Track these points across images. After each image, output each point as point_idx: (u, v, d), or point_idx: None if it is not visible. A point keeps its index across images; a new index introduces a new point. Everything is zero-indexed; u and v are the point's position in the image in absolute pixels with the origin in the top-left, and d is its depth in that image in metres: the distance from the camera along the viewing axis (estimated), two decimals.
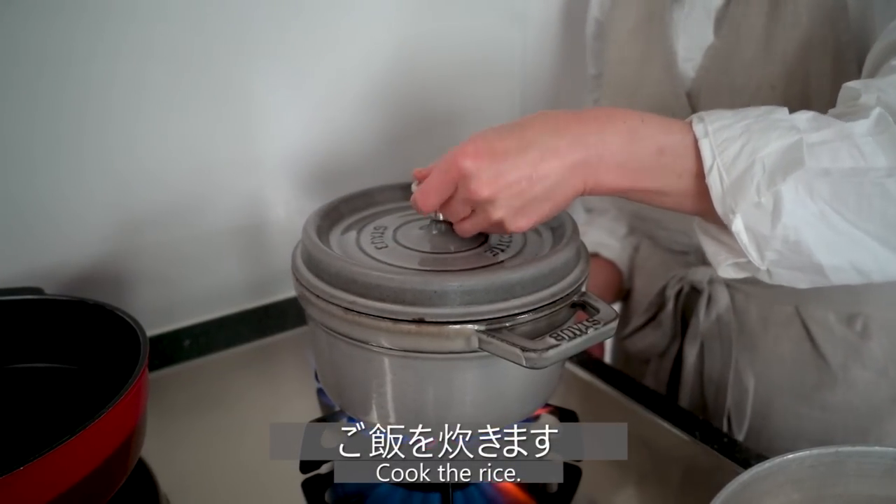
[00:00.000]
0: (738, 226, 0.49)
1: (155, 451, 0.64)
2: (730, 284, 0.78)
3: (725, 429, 0.80)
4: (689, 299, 0.83)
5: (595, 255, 0.99)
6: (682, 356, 0.83)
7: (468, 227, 0.55)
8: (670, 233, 0.82)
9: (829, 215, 0.48)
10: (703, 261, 0.80)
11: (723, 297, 0.79)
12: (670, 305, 0.83)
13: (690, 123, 0.51)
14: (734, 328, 0.78)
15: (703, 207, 0.51)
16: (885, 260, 0.50)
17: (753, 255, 0.50)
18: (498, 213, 0.51)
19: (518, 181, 0.50)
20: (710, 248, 0.54)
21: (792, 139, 0.48)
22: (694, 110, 0.72)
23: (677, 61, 0.73)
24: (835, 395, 0.74)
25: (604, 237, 0.98)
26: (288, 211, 0.89)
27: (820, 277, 0.51)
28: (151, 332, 0.82)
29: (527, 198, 0.51)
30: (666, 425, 0.71)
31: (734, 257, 0.52)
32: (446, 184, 0.52)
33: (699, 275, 0.80)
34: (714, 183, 0.49)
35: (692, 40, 0.72)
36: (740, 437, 0.79)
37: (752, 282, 0.75)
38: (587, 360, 0.81)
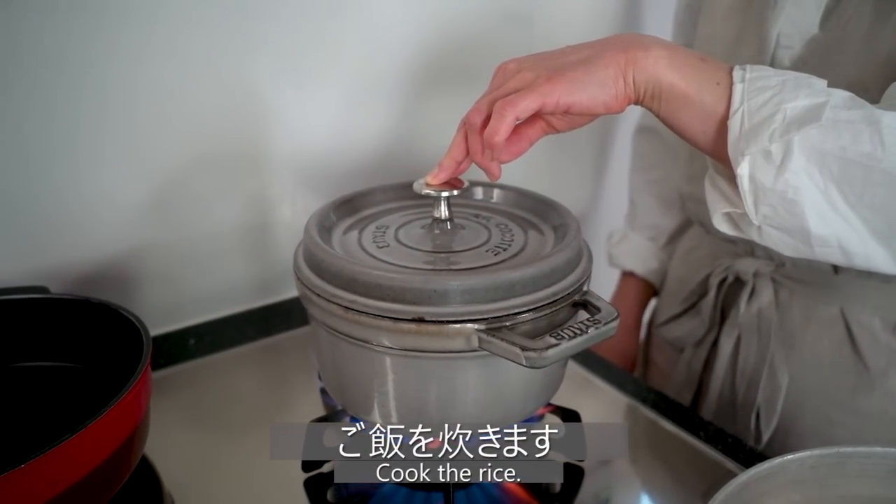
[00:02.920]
0: (743, 169, 0.49)
1: (159, 448, 0.64)
2: (775, 279, 0.77)
3: (753, 425, 0.79)
4: (732, 290, 0.82)
5: (630, 274, 1.02)
6: (718, 347, 0.83)
7: (501, 105, 0.52)
8: None
9: (831, 192, 0.49)
10: (751, 252, 0.80)
11: (766, 291, 0.77)
12: (712, 294, 0.83)
13: (732, 69, 0.52)
14: (774, 323, 0.77)
15: (721, 142, 0.51)
16: (872, 249, 0.51)
17: (749, 205, 0.50)
18: (528, 76, 0.52)
19: (552, 52, 0.53)
20: (712, 197, 0.55)
21: (819, 100, 0.49)
22: None
23: (772, 47, 0.71)
24: (869, 402, 0.73)
25: (641, 251, 1.01)
26: (294, 210, 0.90)
27: (805, 246, 0.52)
28: (157, 331, 0.83)
29: (560, 62, 0.52)
30: (670, 426, 0.71)
31: (729, 207, 0.53)
32: (491, 87, 0.55)
33: (745, 265, 0.79)
34: (734, 125, 0.50)
35: (795, 29, 0.70)
36: (767, 434, 0.78)
37: (798, 279, 0.75)
38: (592, 358, 0.81)
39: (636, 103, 0.53)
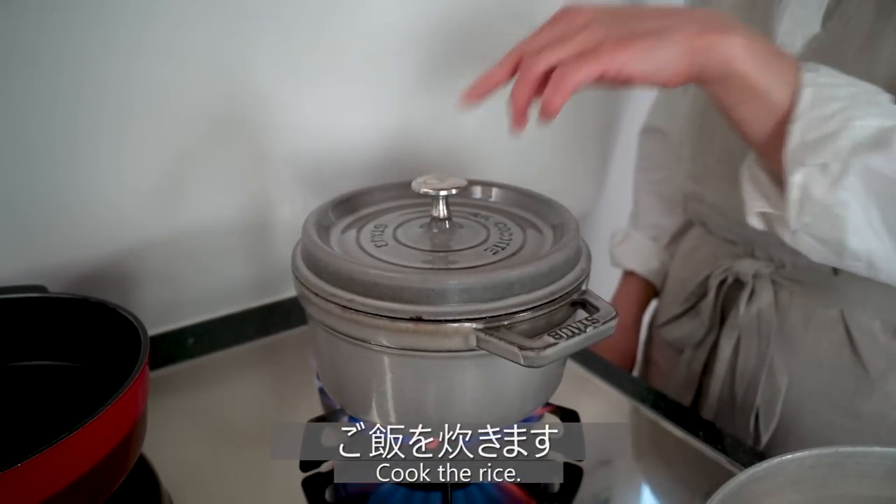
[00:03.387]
0: (797, 179, 0.48)
1: (158, 448, 0.64)
2: (775, 280, 0.77)
3: (752, 427, 0.79)
4: (732, 291, 0.81)
5: (631, 274, 1.02)
6: (718, 348, 0.82)
7: (561, 74, 0.48)
8: (726, 221, 0.80)
9: (871, 210, 0.49)
10: (751, 253, 0.79)
11: (766, 293, 0.77)
12: (711, 295, 0.82)
13: (800, 67, 0.50)
14: (774, 325, 0.77)
15: (776, 140, 0.50)
16: None
17: (793, 212, 0.50)
18: (597, 35, 0.49)
19: (628, 10, 0.50)
20: (750, 192, 0.54)
21: (890, 123, 0.48)
22: None
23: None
24: (869, 405, 0.72)
25: (643, 251, 1.00)
26: (293, 210, 0.90)
27: (836, 257, 0.52)
28: (155, 330, 0.83)
29: (632, 28, 0.49)
30: (669, 426, 0.71)
31: (769, 208, 0.52)
32: (554, 31, 0.51)
33: (745, 267, 0.79)
34: (796, 131, 0.49)
35: (797, 27, 0.69)
36: (766, 437, 0.78)
37: (798, 280, 0.75)
38: (591, 358, 0.81)
39: (692, 81, 0.51)
